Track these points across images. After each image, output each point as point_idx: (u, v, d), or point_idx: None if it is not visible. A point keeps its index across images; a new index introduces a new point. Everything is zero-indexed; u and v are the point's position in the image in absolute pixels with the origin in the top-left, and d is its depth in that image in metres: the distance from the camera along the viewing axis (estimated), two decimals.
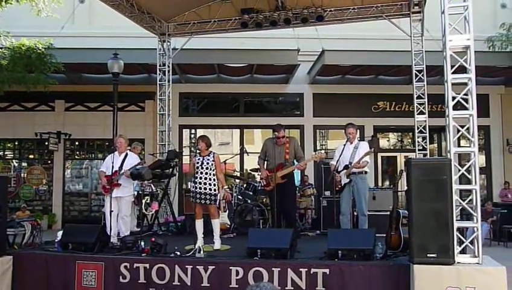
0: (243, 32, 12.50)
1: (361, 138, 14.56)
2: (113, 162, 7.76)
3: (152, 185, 8.23)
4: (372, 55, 13.67)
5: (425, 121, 11.15)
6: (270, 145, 8.45)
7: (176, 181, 11.07)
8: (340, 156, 8.09)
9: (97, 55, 13.09)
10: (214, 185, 7.40)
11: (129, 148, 8.68)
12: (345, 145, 8.11)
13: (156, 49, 12.57)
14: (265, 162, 8.58)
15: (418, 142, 11.37)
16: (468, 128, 5.96)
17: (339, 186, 8.03)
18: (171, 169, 9.96)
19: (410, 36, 11.29)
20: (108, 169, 7.89)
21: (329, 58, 13.51)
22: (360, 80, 15.45)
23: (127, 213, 7.95)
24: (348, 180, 7.95)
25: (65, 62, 12.48)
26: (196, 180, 7.36)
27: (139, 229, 7.99)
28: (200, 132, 16.34)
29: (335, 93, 15.53)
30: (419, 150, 11.34)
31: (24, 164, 16.45)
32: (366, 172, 8.07)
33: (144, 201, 7.83)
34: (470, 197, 5.94)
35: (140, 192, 7.90)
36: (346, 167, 7.99)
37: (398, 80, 15.13)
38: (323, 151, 8.34)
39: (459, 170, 5.94)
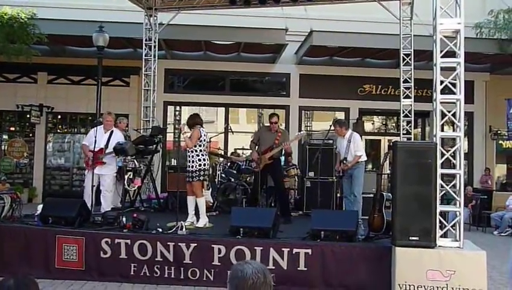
0: (231, 9, 12.31)
1: (347, 121, 14.62)
2: (96, 137, 7.73)
3: (135, 160, 8.14)
4: (361, 37, 13.60)
5: (411, 105, 11.18)
6: (264, 131, 9.05)
7: (160, 158, 10.96)
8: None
9: (82, 27, 12.80)
10: (193, 161, 7.45)
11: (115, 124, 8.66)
12: (338, 138, 8.75)
13: (142, 23, 12.33)
14: (256, 146, 8.96)
15: (402, 126, 11.41)
16: (454, 113, 5.98)
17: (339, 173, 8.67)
18: (154, 145, 9.87)
19: (399, 19, 11.23)
20: (91, 144, 7.84)
21: (317, 39, 13.41)
22: (347, 62, 15.40)
23: (108, 189, 7.98)
24: (342, 174, 8.52)
25: (49, 33, 12.20)
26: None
27: (121, 205, 7.94)
28: (185, 109, 16.26)
29: (321, 74, 15.46)
30: (403, 134, 11.38)
31: (5, 137, 16.16)
32: (361, 161, 8.49)
33: (126, 177, 7.75)
34: (453, 182, 5.99)
35: (123, 167, 7.81)
36: (342, 162, 8.44)
37: (385, 63, 15.12)
38: (303, 132, 9.02)
39: (444, 155, 5.97)
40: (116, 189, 8.24)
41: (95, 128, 8.13)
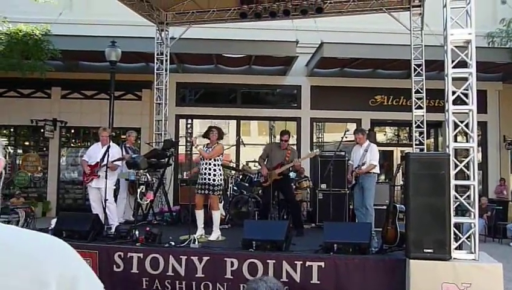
0: (242, 22, 12.40)
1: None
2: (93, 152, 8.28)
3: (147, 174, 8.19)
4: (371, 48, 13.59)
5: (423, 115, 11.11)
6: (274, 148, 9.11)
7: (172, 171, 11.00)
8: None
9: (95, 42, 12.96)
10: (215, 175, 7.49)
11: (123, 137, 8.99)
12: (354, 147, 8.85)
13: (154, 38, 12.46)
14: (265, 162, 9.08)
15: (415, 136, 11.32)
16: (467, 124, 5.93)
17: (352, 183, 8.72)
18: (166, 159, 9.91)
19: (410, 30, 11.21)
20: (90, 159, 8.19)
21: (327, 50, 13.43)
22: (358, 73, 15.38)
23: (110, 199, 8.11)
24: (355, 182, 8.53)
25: (62, 49, 12.36)
26: (200, 170, 7.55)
27: (133, 219, 7.98)
28: (197, 123, 16.33)
29: (333, 86, 15.46)
30: (416, 144, 11.29)
31: (19, 151, 16.34)
32: (374, 172, 8.55)
33: (139, 190, 7.79)
34: (467, 193, 5.92)
35: (135, 181, 7.87)
36: (354, 170, 8.52)
37: (396, 74, 15.08)
38: (318, 150, 9.15)
39: (457, 166, 5.92)
40: (128, 202, 8.33)
41: (95, 144, 8.55)
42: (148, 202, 8.81)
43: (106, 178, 7.63)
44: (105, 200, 7.83)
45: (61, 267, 0.74)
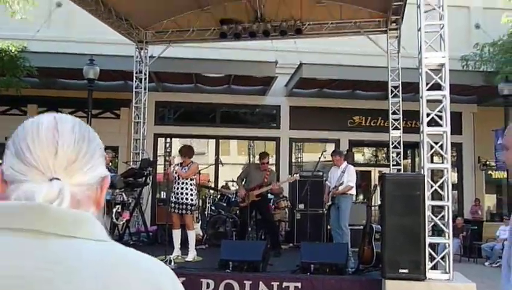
0: (222, 42, 12.48)
1: None
2: None
3: (124, 193, 8.10)
4: (350, 69, 13.77)
5: (400, 136, 11.25)
6: (253, 169, 9.20)
7: (149, 190, 10.90)
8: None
9: (73, 60, 12.87)
10: (191, 194, 7.45)
11: None
12: (332, 168, 8.86)
13: (133, 56, 12.44)
14: (243, 182, 9.09)
15: (392, 157, 11.46)
16: (441, 145, 6.03)
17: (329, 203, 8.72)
18: (144, 178, 9.82)
19: (387, 52, 11.42)
20: None
21: (306, 71, 13.56)
22: (336, 94, 15.54)
23: None
24: (331, 202, 8.54)
25: (39, 66, 12.24)
26: (174, 189, 7.50)
27: None
28: (176, 141, 16.25)
29: (311, 106, 15.57)
30: (393, 165, 11.42)
31: None
32: (350, 193, 8.58)
33: (114, 210, 7.69)
34: (442, 213, 5.99)
35: (111, 200, 7.76)
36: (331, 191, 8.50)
37: (374, 95, 15.28)
38: (297, 175, 9.15)
39: (432, 186, 6.00)
40: (104, 223, 8.18)
41: None
42: (124, 221, 8.69)
43: None
44: None
45: (171, 281, 0.92)
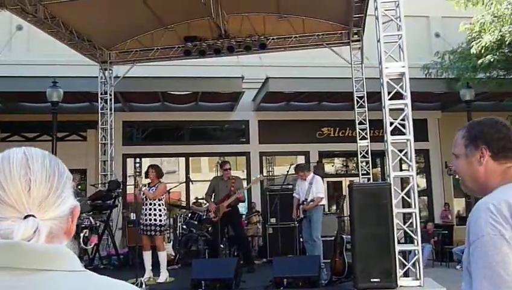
0: (187, 60, 12.46)
1: (308, 164, 14.74)
2: None
3: (90, 217, 7.94)
4: (315, 82, 13.90)
5: (368, 146, 11.39)
6: (217, 181, 9.13)
7: (118, 212, 10.72)
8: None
9: (35, 83, 12.62)
10: (160, 215, 7.36)
11: None
12: (298, 180, 8.84)
13: (97, 77, 12.29)
14: (212, 198, 9.03)
15: (361, 166, 11.58)
16: (406, 153, 6.11)
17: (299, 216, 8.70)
18: (112, 200, 9.66)
19: (351, 64, 11.60)
20: None
21: (273, 85, 13.62)
22: (304, 107, 15.65)
23: None
24: (303, 216, 8.52)
25: (1, 91, 12.00)
26: (143, 211, 7.39)
27: None
28: (146, 161, 16.05)
29: (280, 119, 15.64)
30: (362, 174, 11.54)
31: None
32: (320, 204, 8.61)
33: (81, 235, 7.52)
34: (410, 221, 6.05)
35: (78, 225, 7.58)
36: (303, 203, 8.47)
37: (341, 106, 15.42)
38: (260, 175, 9.11)
39: (400, 194, 6.06)
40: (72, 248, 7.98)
41: None
42: (92, 246, 8.51)
43: None
44: None
45: None
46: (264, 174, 15.90)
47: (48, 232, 0.92)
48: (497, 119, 1.78)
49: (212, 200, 8.86)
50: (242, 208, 10.12)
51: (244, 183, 9.51)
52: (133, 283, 6.06)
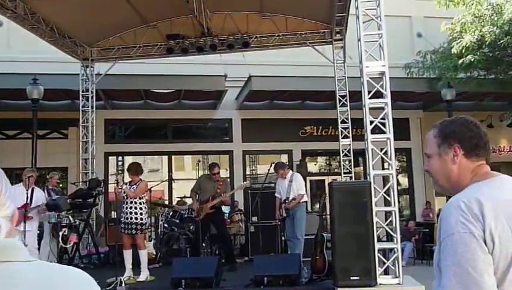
0: (170, 57, 12.39)
1: (290, 163, 14.76)
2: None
3: (70, 216, 7.85)
4: (298, 80, 13.92)
5: (350, 144, 11.44)
6: (205, 180, 9.11)
7: (100, 210, 10.63)
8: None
9: (15, 80, 12.47)
10: (141, 213, 7.31)
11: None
12: (278, 179, 8.80)
13: (78, 74, 12.17)
14: (197, 195, 9.02)
15: (343, 165, 11.63)
16: (386, 152, 6.14)
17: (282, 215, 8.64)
18: (93, 198, 9.57)
19: (333, 63, 11.63)
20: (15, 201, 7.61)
21: (256, 83, 13.62)
22: (287, 105, 15.67)
23: (34, 245, 7.63)
24: (286, 215, 8.48)
25: None
26: (124, 209, 7.33)
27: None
28: (128, 159, 15.94)
29: (263, 118, 15.63)
30: (345, 173, 11.59)
31: None
32: (303, 201, 8.58)
33: (61, 233, 7.43)
34: (390, 219, 6.09)
35: (57, 223, 7.50)
36: (284, 202, 8.40)
37: (323, 105, 15.48)
38: (247, 182, 9.13)
39: (380, 192, 6.09)
40: (50, 247, 7.89)
41: (14, 186, 7.87)
42: (72, 244, 8.41)
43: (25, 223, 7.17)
44: (26, 245, 7.38)
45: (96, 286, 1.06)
46: (247, 172, 15.90)
47: (9, 228, 1.04)
48: (468, 118, 1.80)
49: (197, 198, 8.79)
50: (225, 207, 10.08)
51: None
52: (112, 282, 6.02)
